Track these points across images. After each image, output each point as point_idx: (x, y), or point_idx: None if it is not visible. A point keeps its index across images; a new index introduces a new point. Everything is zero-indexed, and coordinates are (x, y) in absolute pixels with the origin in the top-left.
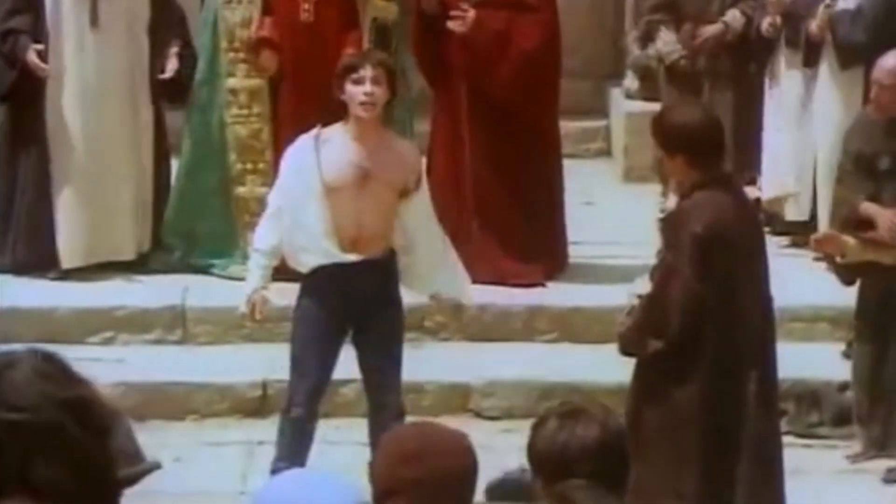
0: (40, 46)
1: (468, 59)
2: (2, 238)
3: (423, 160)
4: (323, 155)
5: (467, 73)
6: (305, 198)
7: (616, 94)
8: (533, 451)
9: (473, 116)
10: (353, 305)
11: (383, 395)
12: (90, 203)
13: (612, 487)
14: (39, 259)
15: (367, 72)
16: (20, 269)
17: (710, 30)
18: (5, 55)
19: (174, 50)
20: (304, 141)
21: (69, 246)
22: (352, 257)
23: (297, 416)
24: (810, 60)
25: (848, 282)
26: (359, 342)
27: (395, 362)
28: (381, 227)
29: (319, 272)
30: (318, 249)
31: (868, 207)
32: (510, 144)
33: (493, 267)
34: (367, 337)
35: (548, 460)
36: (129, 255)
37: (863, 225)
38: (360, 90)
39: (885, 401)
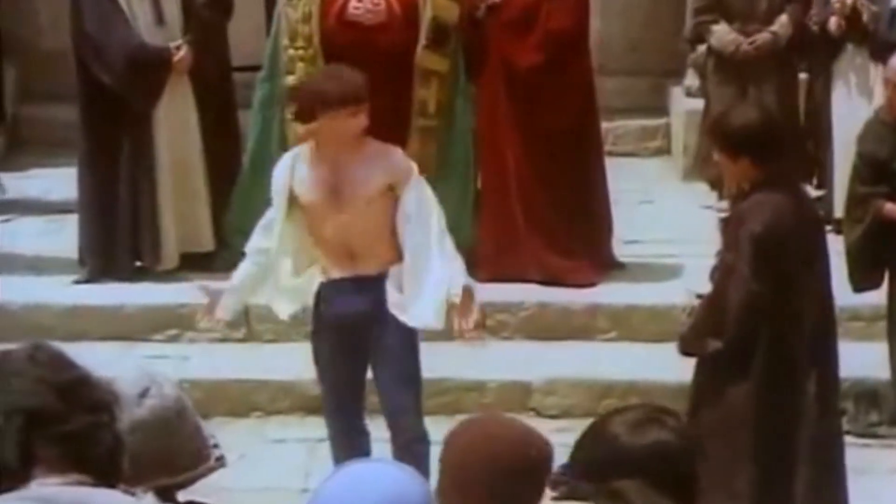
0: (176, 42)
1: (500, 43)
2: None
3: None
4: (296, 174)
5: (501, 59)
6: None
7: (676, 92)
8: (607, 449)
9: (511, 112)
10: (352, 324)
11: (396, 419)
12: (180, 199)
13: (671, 493)
14: (140, 262)
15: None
16: (130, 277)
17: (760, 39)
18: (147, 61)
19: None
20: (283, 159)
21: (168, 246)
22: (337, 274)
23: (339, 428)
24: (876, 54)
25: (857, 288)
26: (371, 362)
27: (407, 383)
28: (374, 243)
29: (318, 293)
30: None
31: (893, 209)
32: (550, 140)
33: (541, 265)
34: (375, 357)
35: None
36: (209, 245)
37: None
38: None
39: None
